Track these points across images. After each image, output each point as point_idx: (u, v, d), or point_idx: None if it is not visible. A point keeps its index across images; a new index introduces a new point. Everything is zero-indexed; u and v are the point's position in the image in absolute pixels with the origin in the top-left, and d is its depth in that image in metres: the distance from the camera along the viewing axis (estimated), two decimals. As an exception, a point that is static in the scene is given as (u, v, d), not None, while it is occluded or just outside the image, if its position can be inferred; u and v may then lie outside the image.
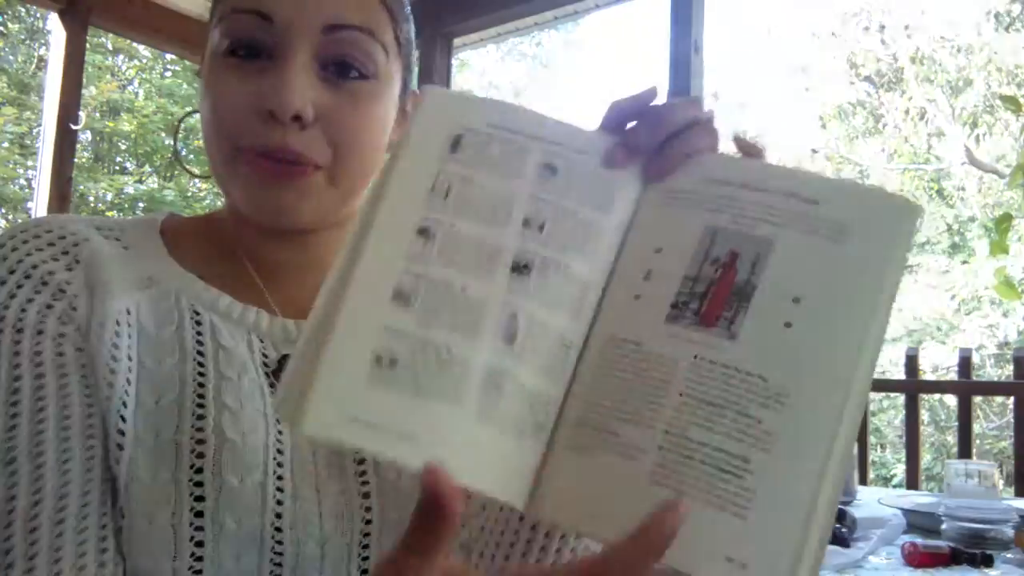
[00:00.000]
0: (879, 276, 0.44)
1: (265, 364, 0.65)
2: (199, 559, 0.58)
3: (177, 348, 0.62)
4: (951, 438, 7.88)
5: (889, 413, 8.37)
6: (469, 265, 0.45)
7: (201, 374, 0.61)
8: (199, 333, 0.63)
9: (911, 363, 2.99)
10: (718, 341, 0.44)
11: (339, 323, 0.43)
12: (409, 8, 0.69)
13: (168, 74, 9.76)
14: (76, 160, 3.19)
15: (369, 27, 0.62)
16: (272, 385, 0.64)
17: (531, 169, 0.48)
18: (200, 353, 0.62)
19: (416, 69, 0.73)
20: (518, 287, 0.46)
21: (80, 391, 0.59)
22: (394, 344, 0.43)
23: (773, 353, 0.43)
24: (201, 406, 0.60)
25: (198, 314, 0.64)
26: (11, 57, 8.63)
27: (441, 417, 0.43)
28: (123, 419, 0.59)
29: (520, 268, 0.46)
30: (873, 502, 1.58)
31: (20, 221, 0.65)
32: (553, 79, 12.90)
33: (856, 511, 1.37)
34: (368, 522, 0.62)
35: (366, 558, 0.63)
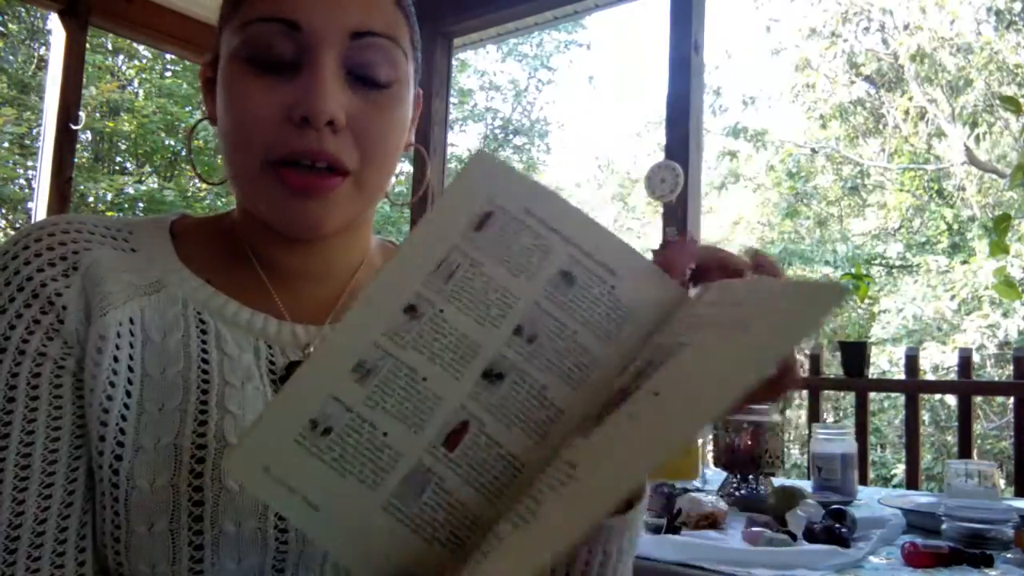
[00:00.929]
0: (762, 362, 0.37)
1: (271, 371, 0.65)
2: (198, 561, 0.58)
3: (182, 355, 0.62)
4: (951, 438, 7.88)
5: (889, 413, 8.37)
6: (441, 358, 0.44)
7: (205, 380, 0.62)
8: (204, 341, 0.63)
9: (911, 363, 2.99)
10: (580, 441, 0.41)
11: (293, 379, 0.44)
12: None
13: (168, 74, 9.76)
14: (76, 160, 3.19)
15: (391, 33, 0.63)
16: (277, 392, 0.64)
17: (547, 273, 0.45)
18: (205, 360, 0.62)
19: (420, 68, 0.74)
20: (482, 394, 0.44)
21: (48, 415, 0.59)
22: (334, 413, 0.43)
23: (618, 444, 0.39)
24: (204, 412, 0.60)
25: (204, 322, 0.64)
26: (11, 57, 8.63)
27: (351, 496, 0.42)
28: (122, 431, 0.59)
29: (491, 376, 0.44)
30: (873, 502, 1.58)
31: (31, 223, 0.65)
32: (553, 78, 12.88)
33: (856, 511, 1.37)
34: None
35: None
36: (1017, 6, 8.20)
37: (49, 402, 0.59)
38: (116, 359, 0.60)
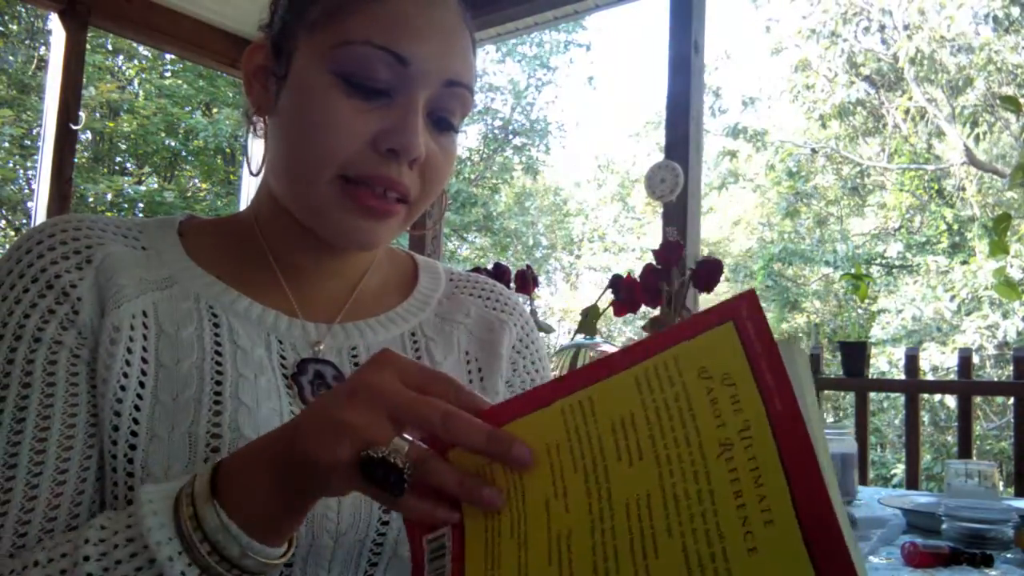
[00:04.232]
0: None
1: (283, 366, 0.66)
2: None
3: (196, 347, 0.63)
4: (951, 438, 7.89)
5: (889, 413, 8.37)
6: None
7: (219, 372, 0.63)
8: (217, 334, 0.64)
9: (911, 363, 2.99)
10: None
11: None
12: None
13: (168, 74, 9.76)
14: (76, 160, 3.18)
15: (471, 86, 0.66)
16: (289, 387, 0.65)
17: None
18: (218, 352, 0.63)
19: None
20: None
21: (65, 401, 0.59)
22: None
23: None
24: (218, 402, 0.61)
25: (216, 316, 0.65)
26: (11, 57, 8.64)
27: None
28: (135, 420, 0.59)
29: None
30: (873, 502, 1.58)
31: (44, 221, 0.66)
32: (553, 79, 12.89)
33: (856, 511, 1.37)
34: (385, 523, 0.63)
35: (376, 554, 0.64)
36: (1015, 11, 8.21)
37: (66, 389, 0.59)
38: (130, 350, 0.61)
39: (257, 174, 0.70)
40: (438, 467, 0.46)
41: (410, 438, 0.46)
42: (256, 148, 0.70)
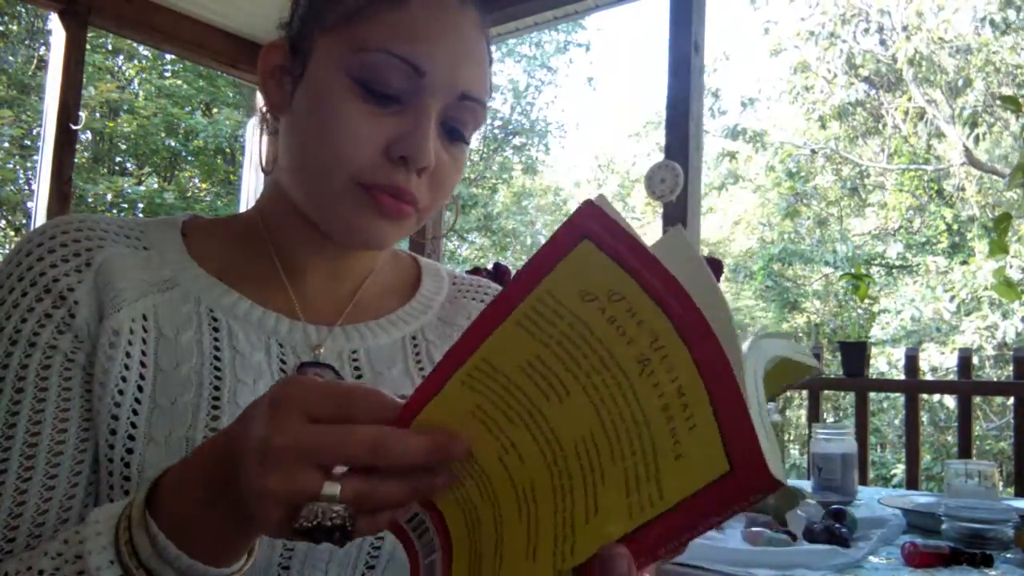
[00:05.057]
0: None
1: (283, 370, 0.66)
2: None
3: (195, 352, 0.63)
4: (950, 438, 7.89)
5: (889, 413, 8.38)
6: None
7: (218, 377, 0.63)
8: (216, 338, 0.64)
9: (911, 363, 2.99)
10: None
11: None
12: None
13: (168, 74, 9.76)
14: (76, 160, 3.19)
15: (484, 101, 0.66)
16: None
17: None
18: (217, 357, 0.63)
19: None
20: None
21: (57, 407, 0.59)
22: None
23: None
24: (216, 407, 0.61)
25: (216, 319, 0.65)
26: (11, 57, 8.64)
27: None
28: (133, 424, 0.59)
29: None
30: (873, 502, 1.58)
31: (46, 222, 0.66)
32: (553, 79, 12.89)
33: (856, 511, 1.37)
34: None
35: (374, 557, 0.63)
36: (1011, 14, 8.21)
37: (58, 394, 0.59)
38: (129, 354, 0.61)
39: (268, 172, 0.70)
40: (381, 491, 0.42)
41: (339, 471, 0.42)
42: (264, 145, 0.70)
